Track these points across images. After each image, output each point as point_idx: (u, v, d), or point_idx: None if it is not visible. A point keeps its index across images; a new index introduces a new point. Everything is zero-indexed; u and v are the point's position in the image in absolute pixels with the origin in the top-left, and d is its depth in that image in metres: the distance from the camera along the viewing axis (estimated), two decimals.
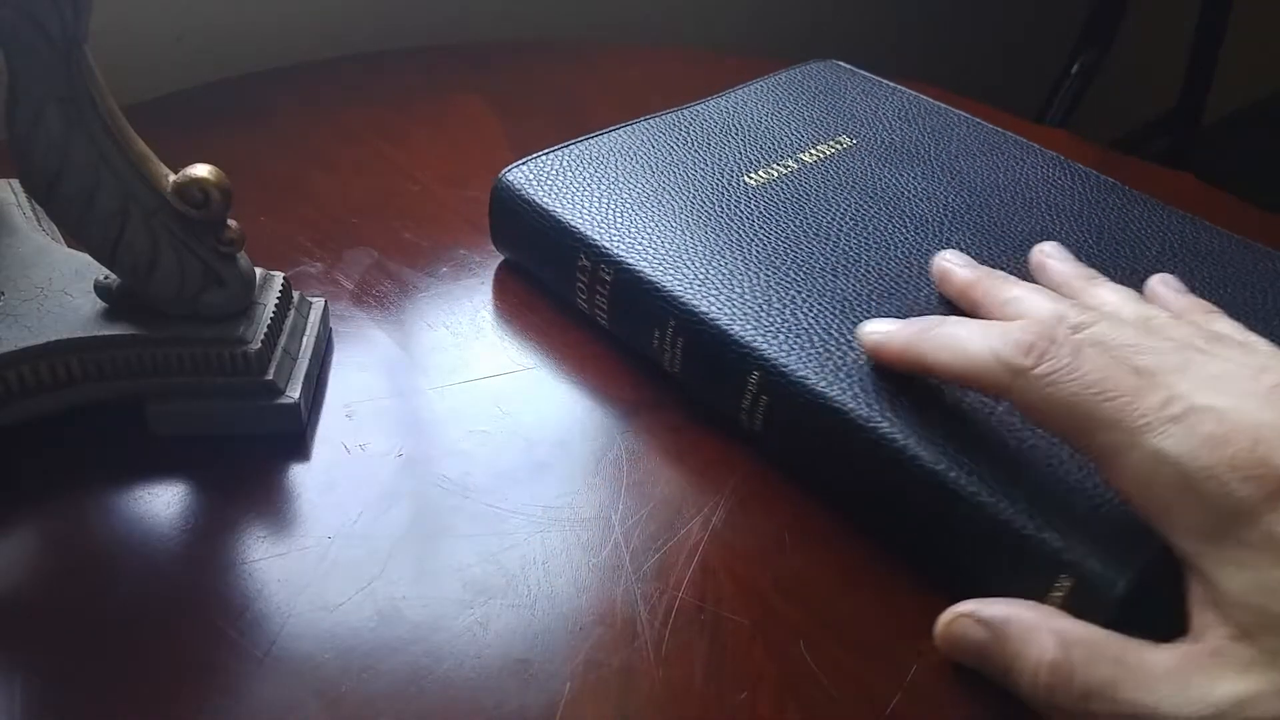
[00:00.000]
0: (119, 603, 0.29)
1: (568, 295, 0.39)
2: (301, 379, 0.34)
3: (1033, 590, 0.28)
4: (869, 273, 0.36)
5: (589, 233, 0.37)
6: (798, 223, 0.38)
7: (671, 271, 0.35)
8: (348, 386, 0.36)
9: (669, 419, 0.36)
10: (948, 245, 0.38)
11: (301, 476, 0.33)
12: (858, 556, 0.32)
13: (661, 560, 0.31)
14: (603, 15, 0.76)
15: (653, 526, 0.32)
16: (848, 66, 0.52)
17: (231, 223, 0.33)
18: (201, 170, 0.31)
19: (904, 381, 0.32)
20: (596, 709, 0.27)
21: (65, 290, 0.34)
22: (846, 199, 0.40)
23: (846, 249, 0.37)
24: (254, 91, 0.54)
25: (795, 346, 0.33)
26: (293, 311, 0.36)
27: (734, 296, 0.34)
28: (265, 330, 0.34)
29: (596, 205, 0.38)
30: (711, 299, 0.34)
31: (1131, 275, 0.37)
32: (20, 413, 0.32)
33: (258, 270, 0.35)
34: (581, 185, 0.40)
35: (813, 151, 0.43)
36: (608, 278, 0.36)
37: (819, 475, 0.33)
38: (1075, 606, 0.27)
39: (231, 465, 0.33)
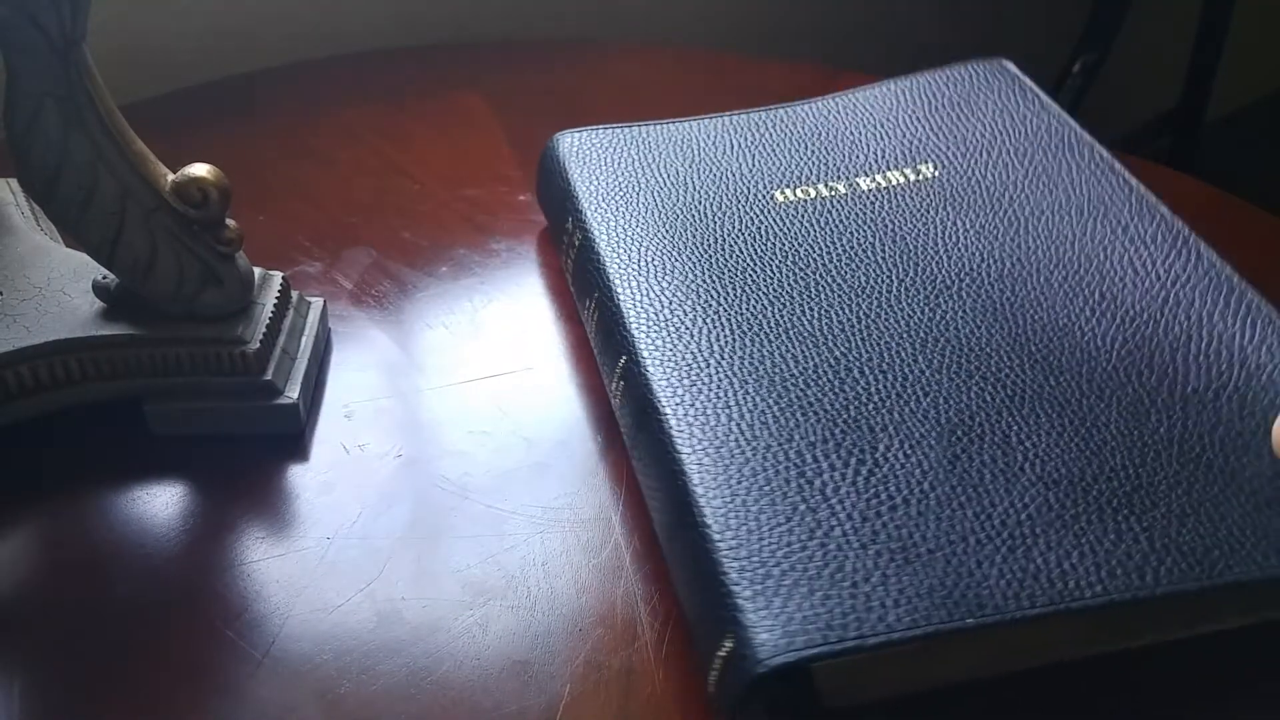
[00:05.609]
0: (117, 603, 0.29)
1: (560, 258, 0.41)
2: (300, 379, 0.34)
3: (706, 646, 0.26)
4: (812, 316, 0.33)
5: (582, 198, 0.38)
6: (784, 251, 0.35)
7: (618, 250, 0.36)
8: (347, 386, 0.36)
9: None
10: (934, 313, 0.33)
11: (300, 477, 0.33)
12: None
13: (662, 561, 0.31)
14: (603, 15, 0.76)
15: (653, 527, 0.32)
16: (1013, 71, 0.44)
17: (230, 222, 0.33)
18: (200, 170, 0.31)
19: (723, 418, 0.30)
20: (596, 711, 0.27)
21: (63, 290, 0.34)
22: (861, 239, 0.36)
23: (804, 289, 0.34)
24: (253, 91, 0.54)
25: (668, 350, 0.32)
26: (291, 311, 0.36)
27: (651, 288, 0.34)
28: (264, 330, 0.33)
29: (608, 181, 0.39)
30: (631, 283, 0.35)
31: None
32: (19, 412, 0.32)
33: (256, 270, 0.35)
34: (610, 162, 0.40)
35: (878, 177, 0.38)
36: (577, 242, 0.38)
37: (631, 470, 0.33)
38: (724, 684, 0.25)
39: (230, 465, 0.33)
